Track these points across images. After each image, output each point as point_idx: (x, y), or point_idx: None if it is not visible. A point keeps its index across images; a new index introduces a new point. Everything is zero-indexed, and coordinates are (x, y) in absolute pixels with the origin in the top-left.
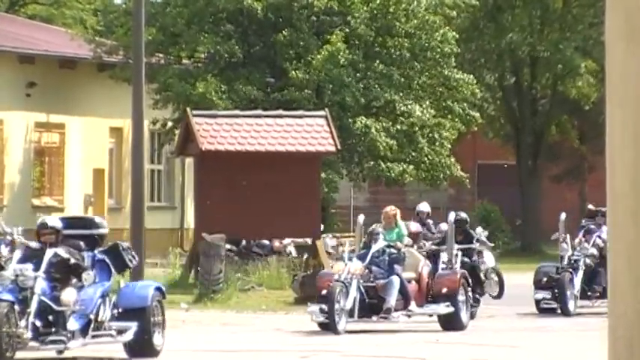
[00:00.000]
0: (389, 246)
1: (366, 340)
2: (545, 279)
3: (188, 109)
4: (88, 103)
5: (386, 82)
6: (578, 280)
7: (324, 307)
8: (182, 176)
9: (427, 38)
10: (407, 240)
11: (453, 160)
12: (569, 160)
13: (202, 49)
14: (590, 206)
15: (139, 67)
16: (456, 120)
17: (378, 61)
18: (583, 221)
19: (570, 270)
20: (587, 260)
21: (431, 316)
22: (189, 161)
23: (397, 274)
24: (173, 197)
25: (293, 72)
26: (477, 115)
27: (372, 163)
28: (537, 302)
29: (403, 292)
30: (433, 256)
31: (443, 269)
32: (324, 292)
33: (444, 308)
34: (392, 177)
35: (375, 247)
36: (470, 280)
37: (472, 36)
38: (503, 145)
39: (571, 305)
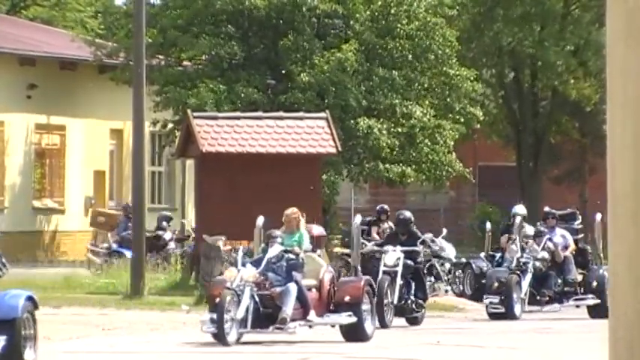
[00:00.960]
0: (287, 251)
1: (367, 342)
2: (496, 284)
3: (189, 111)
4: (89, 105)
5: (388, 86)
6: (525, 283)
7: (215, 316)
8: (183, 178)
9: (428, 39)
10: (307, 245)
11: (454, 156)
12: (569, 162)
13: (198, 52)
14: (546, 208)
15: (139, 68)
16: (457, 118)
17: (379, 65)
18: (538, 224)
19: (518, 273)
20: (537, 264)
21: (333, 326)
22: (189, 163)
23: (295, 282)
24: (174, 199)
25: (299, 75)
26: (478, 112)
27: (372, 163)
28: (486, 307)
29: (302, 300)
30: (376, 259)
31: (346, 279)
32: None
33: (346, 318)
34: (391, 178)
35: (271, 252)
36: (373, 287)
37: (473, 36)
38: (504, 147)
39: (517, 309)
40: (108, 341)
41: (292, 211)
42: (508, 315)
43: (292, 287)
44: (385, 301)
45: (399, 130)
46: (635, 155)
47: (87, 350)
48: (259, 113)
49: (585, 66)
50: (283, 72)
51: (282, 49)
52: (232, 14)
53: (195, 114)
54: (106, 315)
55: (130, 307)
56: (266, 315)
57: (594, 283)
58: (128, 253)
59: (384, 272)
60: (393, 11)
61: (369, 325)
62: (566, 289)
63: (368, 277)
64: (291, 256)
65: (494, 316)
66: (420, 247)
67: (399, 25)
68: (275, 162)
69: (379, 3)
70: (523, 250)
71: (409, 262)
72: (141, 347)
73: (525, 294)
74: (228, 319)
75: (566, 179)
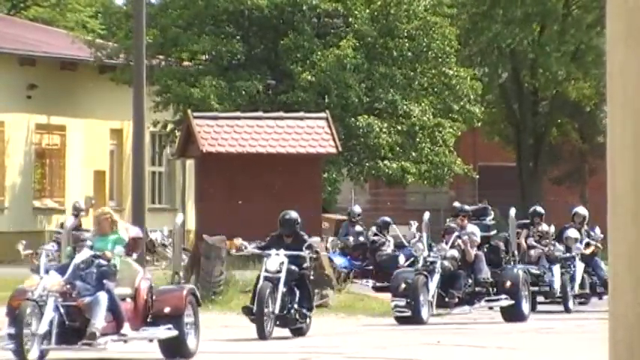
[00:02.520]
0: (97, 256)
1: (368, 342)
2: (403, 285)
3: (189, 111)
4: (89, 105)
5: (388, 83)
6: (433, 284)
7: (13, 331)
8: (183, 178)
9: (428, 39)
10: (119, 249)
11: (454, 155)
12: (569, 162)
13: (199, 50)
14: (456, 203)
15: (139, 69)
16: (457, 116)
17: (380, 62)
18: (448, 220)
19: (425, 273)
20: (446, 263)
21: (151, 341)
22: (189, 163)
23: (106, 291)
24: (174, 199)
25: (301, 74)
26: (477, 110)
27: (372, 162)
28: (392, 311)
29: (114, 311)
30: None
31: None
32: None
33: (166, 332)
34: (391, 175)
35: (78, 258)
36: (197, 297)
37: (471, 36)
38: (504, 147)
39: (424, 312)
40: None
41: (103, 211)
42: (414, 319)
43: (102, 297)
44: (266, 310)
45: (399, 128)
46: (635, 155)
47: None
48: (259, 113)
49: (585, 67)
50: (284, 72)
51: (283, 49)
52: (232, 14)
53: (196, 114)
54: None
55: None
56: (73, 329)
57: (508, 283)
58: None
59: (266, 278)
60: (392, 11)
61: (192, 340)
62: (477, 289)
63: (191, 285)
64: (102, 261)
65: (401, 320)
66: (305, 252)
67: (398, 25)
68: (275, 162)
69: (379, 3)
70: (431, 248)
71: (293, 267)
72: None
73: (433, 296)
74: (29, 333)
75: (567, 180)
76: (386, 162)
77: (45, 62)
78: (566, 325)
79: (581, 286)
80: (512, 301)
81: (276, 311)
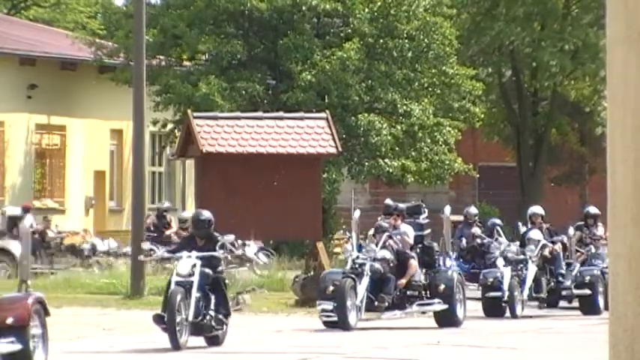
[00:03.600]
0: None
1: (368, 342)
2: (331, 288)
3: (189, 111)
4: (89, 105)
5: (388, 82)
6: (362, 288)
7: None
8: (183, 178)
9: (428, 39)
10: None
11: (454, 154)
12: (569, 163)
13: (204, 49)
14: (388, 201)
15: (139, 69)
16: (457, 116)
17: (380, 62)
18: (379, 219)
19: (353, 276)
20: (376, 265)
21: None
22: (189, 163)
23: None
24: (174, 199)
25: (302, 74)
26: (478, 110)
27: (372, 161)
28: (319, 315)
29: None
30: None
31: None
32: None
33: (7, 345)
34: (392, 173)
35: None
36: (45, 305)
37: (472, 35)
38: (504, 147)
39: (352, 318)
40: (108, 341)
41: None
42: (341, 324)
43: None
44: (178, 318)
45: (399, 127)
46: (635, 155)
47: (87, 350)
48: (259, 113)
49: (583, 66)
50: (284, 72)
51: (283, 49)
52: (232, 14)
53: (196, 114)
54: (106, 315)
55: (130, 307)
56: None
57: (441, 287)
58: None
59: (177, 283)
60: (392, 11)
61: (39, 354)
62: (409, 292)
63: (39, 294)
64: None
65: (328, 325)
66: (219, 253)
67: (398, 25)
68: (275, 162)
69: (379, 3)
70: (360, 249)
71: (207, 270)
72: (141, 347)
73: (362, 300)
74: None
75: (567, 180)
76: (386, 160)
77: (45, 62)
78: (566, 325)
79: (538, 289)
80: (446, 306)
81: (190, 318)
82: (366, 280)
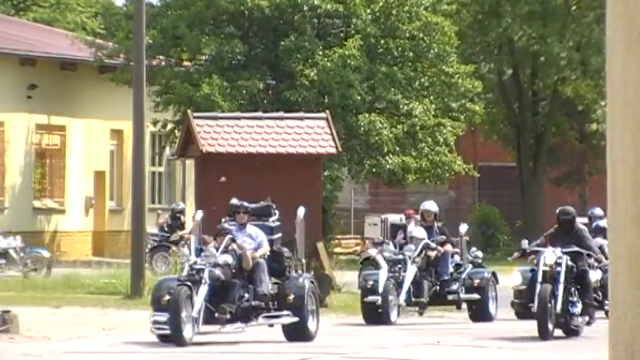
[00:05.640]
0: None
1: (368, 342)
2: (166, 297)
3: (189, 111)
4: (89, 105)
5: (389, 82)
6: (199, 297)
7: None
8: (183, 178)
9: (429, 39)
10: None
11: (455, 154)
12: (569, 163)
13: (207, 51)
14: (234, 200)
15: (139, 69)
16: (457, 115)
17: (381, 62)
18: (223, 220)
19: (189, 284)
20: (216, 271)
21: None
22: (189, 163)
23: None
24: (174, 199)
25: (305, 74)
26: (477, 108)
27: (372, 160)
28: (150, 328)
29: None
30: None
31: None
32: None
33: None
34: (393, 171)
35: None
36: None
37: (474, 33)
38: (504, 147)
39: (187, 331)
40: (108, 341)
41: None
42: (174, 339)
43: None
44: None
45: (400, 127)
46: (635, 155)
47: (87, 350)
48: (259, 113)
49: (586, 64)
50: (284, 72)
51: (283, 49)
52: (233, 15)
53: (196, 114)
54: (106, 315)
55: (130, 307)
56: None
57: (291, 297)
58: None
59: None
60: (394, 12)
61: None
62: (254, 303)
63: None
64: None
65: (162, 338)
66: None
67: (400, 26)
68: (275, 162)
69: (380, 3)
70: (199, 253)
71: None
72: (141, 347)
73: (200, 311)
74: None
75: (567, 180)
76: (387, 158)
77: (45, 62)
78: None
79: (419, 293)
80: (296, 318)
81: None
82: (204, 289)
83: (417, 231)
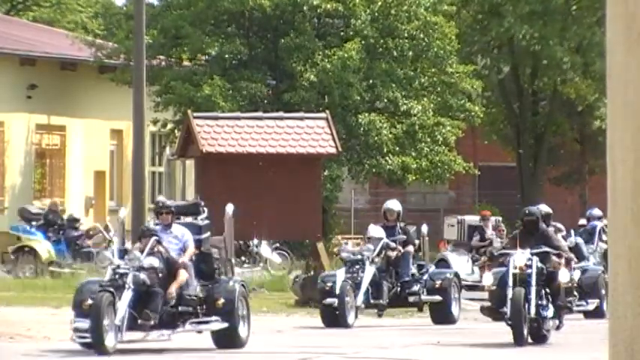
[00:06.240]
0: None
1: (368, 342)
2: (89, 302)
3: (189, 111)
4: (89, 105)
5: (388, 80)
6: (122, 303)
7: None
8: (183, 178)
9: (429, 39)
10: None
11: (454, 153)
12: (569, 163)
13: (211, 50)
14: (160, 197)
15: (140, 69)
16: (457, 115)
17: (380, 61)
18: (148, 220)
19: (111, 290)
20: (141, 275)
21: None
22: (189, 163)
23: None
24: (174, 199)
25: (305, 74)
26: (477, 108)
27: (372, 160)
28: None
29: None
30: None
31: None
32: None
33: None
34: (393, 170)
35: None
36: None
37: (474, 33)
38: (504, 147)
39: (109, 339)
40: None
41: None
42: (96, 347)
43: None
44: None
45: (400, 127)
46: (635, 155)
47: (87, 350)
48: (259, 113)
49: (587, 65)
50: (285, 72)
51: (284, 49)
52: (233, 15)
53: (196, 114)
54: None
55: None
56: None
57: (220, 301)
58: None
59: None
60: (393, 11)
61: None
62: (181, 308)
63: None
64: None
65: (85, 346)
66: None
67: (399, 25)
68: (275, 162)
69: (379, 3)
70: (123, 255)
71: None
72: (141, 347)
73: (123, 318)
74: None
75: (566, 180)
76: (387, 158)
77: (45, 62)
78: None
79: (378, 295)
80: (226, 324)
81: None
82: (127, 295)
83: (374, 230)
